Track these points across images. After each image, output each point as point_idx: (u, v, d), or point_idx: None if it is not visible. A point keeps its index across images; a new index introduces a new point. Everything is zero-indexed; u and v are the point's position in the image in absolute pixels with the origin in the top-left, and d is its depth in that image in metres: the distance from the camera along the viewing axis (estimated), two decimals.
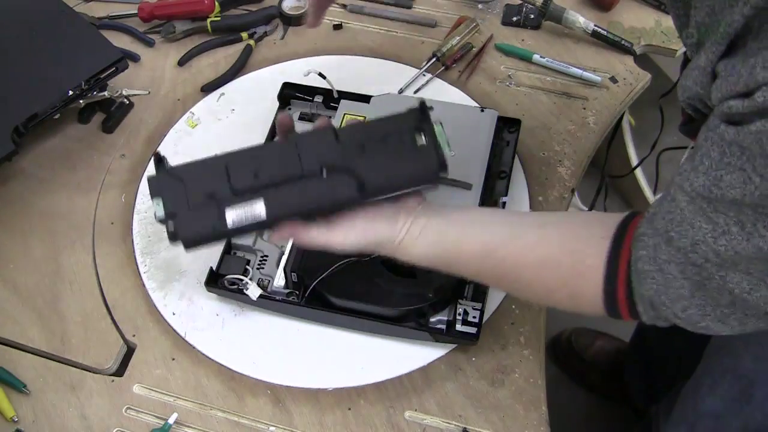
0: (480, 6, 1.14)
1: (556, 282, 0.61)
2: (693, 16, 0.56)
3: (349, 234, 0.65)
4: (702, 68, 0.51)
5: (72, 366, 0.83)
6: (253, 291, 0.82)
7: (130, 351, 0.84)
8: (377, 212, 0.66)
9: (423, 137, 0.65)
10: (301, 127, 0.97)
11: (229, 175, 0.65)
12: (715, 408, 0.90)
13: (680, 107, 0.62)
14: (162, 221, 0.64)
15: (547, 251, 0.61)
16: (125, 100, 1.04)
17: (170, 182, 0.65)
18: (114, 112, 1.03)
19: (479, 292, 0.82)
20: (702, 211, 0.50)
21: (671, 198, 0.53)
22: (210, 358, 0.82)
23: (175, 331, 0.84)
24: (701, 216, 0.50)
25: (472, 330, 0.79)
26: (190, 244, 0.64)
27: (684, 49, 1.09)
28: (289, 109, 1.01)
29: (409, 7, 1.15)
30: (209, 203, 0.64)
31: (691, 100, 0.55)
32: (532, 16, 1.11)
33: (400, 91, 1.03)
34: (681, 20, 0.62)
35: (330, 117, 0.95)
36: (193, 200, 0.64)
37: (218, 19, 1.12)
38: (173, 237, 0.64)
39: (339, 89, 0.97)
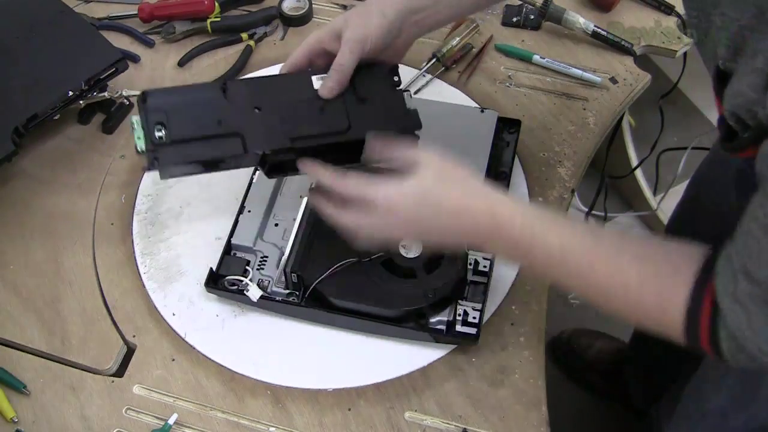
0: None
1: (642, 308, 0.60)
2: (719, 20, 0.55)
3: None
4: (760, 70, 0.49)
5: (72, 366, 0.83)
6: (254, 292, 0.82)
7: (130, 351, 0.84)
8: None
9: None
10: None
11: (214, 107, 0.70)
12: (719, 405, 0.90)
13: (717, 121, 0.61)
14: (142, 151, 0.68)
15: (639, 275, 0.59)
16: (125, 100, 1.04)
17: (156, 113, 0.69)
18: (114, 113, 1.03)
19: (479, 293, 0.82)
20: None
21: (745, 231, 0.52)
22: (210, 359, 0.82)
23: (175, 331, 0.84)
24: None
25: (472, 331, 0.79)
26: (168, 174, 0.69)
27: (685, 49, 1.09)
28: None
29: None
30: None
31: (740, 108, 0.53)
32: (532, 17, 1.11)
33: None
34: (698, 25, 0.62)
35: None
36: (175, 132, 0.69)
37: (218, 19, 1.12)
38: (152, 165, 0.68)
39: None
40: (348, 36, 0.73)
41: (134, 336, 0.84)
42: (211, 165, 0.72)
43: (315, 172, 0.71)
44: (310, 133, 0.73)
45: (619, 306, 0.61)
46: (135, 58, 1.09)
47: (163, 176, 0.70)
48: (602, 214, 1.64)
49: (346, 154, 0.72)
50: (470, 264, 0.83)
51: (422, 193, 0.65)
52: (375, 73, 0.77)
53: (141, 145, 0.69)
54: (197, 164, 0.71)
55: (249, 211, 0.88)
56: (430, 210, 0.65)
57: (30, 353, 0.84)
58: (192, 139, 0.70)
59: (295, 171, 0.74)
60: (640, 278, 0.59)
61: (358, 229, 0.68)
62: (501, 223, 0.63)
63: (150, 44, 1.12)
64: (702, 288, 0.56)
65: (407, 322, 0.80)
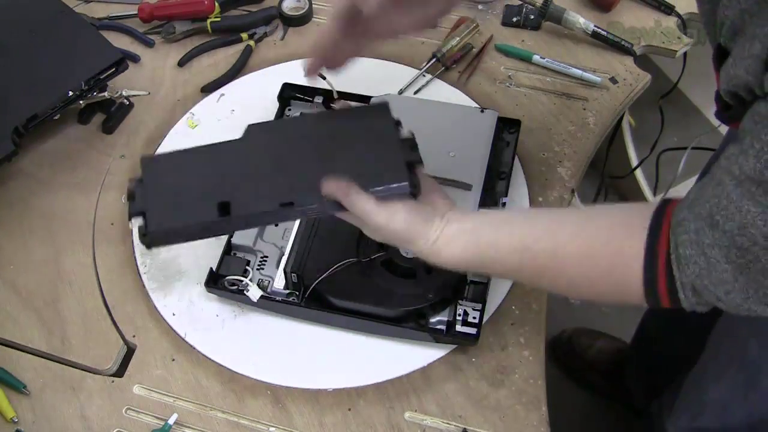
0: (480, 7, 1.14)
1: (598, 273, 0.61)
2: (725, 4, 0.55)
3: (391, 220, 0.66)
4: (756, 56, 0.50)
5: (72, 366, 0.83)
6: (254, 292, 0.82)
7: (130, 351, 0.84)
8: (417, 208, 0.67)
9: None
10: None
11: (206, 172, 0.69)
12: (720, 396, 0.90)
13: (714, 95, 0.61)
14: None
15: (586, 242, 0.61)
16: (125, 100, 1.04)
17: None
18: (114, 113, 1.03)
19: (479, 293, 0.82)
20: (751, 195, 0.50)
21: (716, 182, 0.53)
22: (210, 359, 0.82)
23: (175, 331, 0.84)
24: (749, 199, 0.50)
25: (472, 330, 0.79)
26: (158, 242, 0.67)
27: (685, 49, 1.09)
28: (289, 109, 1.01)
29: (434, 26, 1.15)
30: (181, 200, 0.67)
31: (737, 88, 0.54)
32: (532, 17, 1.11)
33: (400, 92, 1.03)
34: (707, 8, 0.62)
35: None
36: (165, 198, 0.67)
37: (218, 19, 1.12)
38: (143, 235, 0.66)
39: (339, 90, 0.97)
40: None
41: (134, 336, 0.84)
42: (199, 234, 0.69)
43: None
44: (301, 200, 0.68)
45: (571, 275, 0.62)
46: (135, 58, 1.09)
47: (151, 244, 0.68)
48: None
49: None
50: None
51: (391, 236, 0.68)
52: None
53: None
54: (188, 232, 0.68)
55: None
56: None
57: (30, 353, 0.84)
58: (177, 206, 0.68)
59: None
60: (590, 240, 0.61)
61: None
62: (442, 254, 0.67)
63: (150, 44, 1.12)
64: (655, 240, 0.56)
65: (407, 322, 0.80)
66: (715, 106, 0.63)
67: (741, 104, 0.55)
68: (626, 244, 0.58)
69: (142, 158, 0.71)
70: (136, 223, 0.66)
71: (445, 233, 0.67)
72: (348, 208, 0.66)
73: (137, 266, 0.89)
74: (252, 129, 0.72)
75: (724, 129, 1.13)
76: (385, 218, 0.66)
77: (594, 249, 0.61)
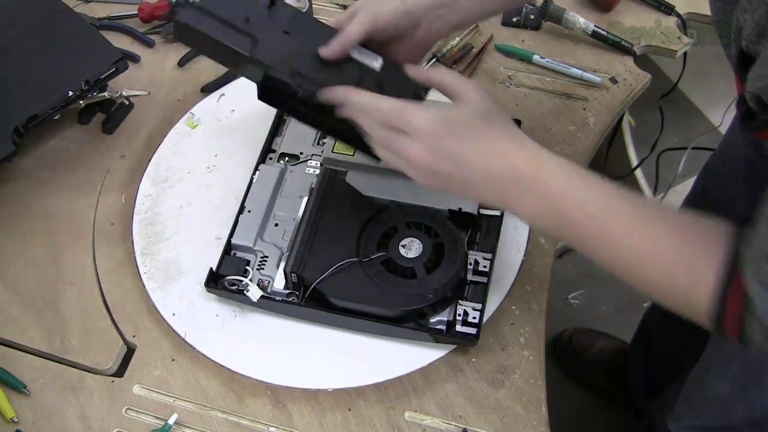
0: None
1: (664, 288, 0.58)
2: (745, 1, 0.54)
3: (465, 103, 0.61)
4: None
5: (72, 366, 0.83)
6: (254, 292, 0.82)
7: (130, 351, 0.84)
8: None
9: None
10: (300, 126, 0.98)
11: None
12: (722, 394, 0.90)
13: (738, 101, 0.59)
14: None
15: (664, 254, 0.57)
16: (125, 100, 1.04)
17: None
18: (114, 113, 1.03)
19: (479, 293, 0.82)
20: None
21: (765, 217, 0.51)
22: (210, 359, 0.82)
23: (175, 331, 0.84)
24: None
25: (472, 331, 0.79)
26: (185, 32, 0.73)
27: (685, 49, 1.10)
28: None
29: None
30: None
31: (763, 90, 0.52)
32: (532, 17, 1.11)
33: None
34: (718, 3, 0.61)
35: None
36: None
37: None
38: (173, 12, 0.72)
39: None
40: (360, 9, 0.73)
41: (134, 336, 0.84)
42: (218, 53, 0.75)
43: (347, 93, 0.67)
44: (314, 78, 0.72)
45: (646, 276, 0.58)
46: (135, 58, 1.09)
47: (175, 35, 0.74)
48: None
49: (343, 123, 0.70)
50: (470, 264, 0.83)
51: (466, 121, 0.60)
52: (404, 80, 0.73)
53: None
54: (207, 43, 0.73)
55: (249, 211, 0.88)
56: (471, 141, 0.60)
57: (30, 353, 0.84)
58: (215, 16, 0.72)
59: (284, 106, 0.77)
60: (674, 252, 0.56)
61: (398, 154, 0.64)
62: (539, 175, 0.59)
63: (150, 44, 1.12)
64: (732, 272, 0.53)
65: (407, 322, 0.80)
66: (737, 113, 0.61)
67: (764, 110, 0.55)
68: (701, 264, 0.55)
69: None
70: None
71: (544, 153, 0.59)
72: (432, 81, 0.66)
73: (137, 266, 0.89)
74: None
75: (724, 129, 1.13)
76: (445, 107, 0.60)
77: (673, 260, 0.57)
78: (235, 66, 0.76)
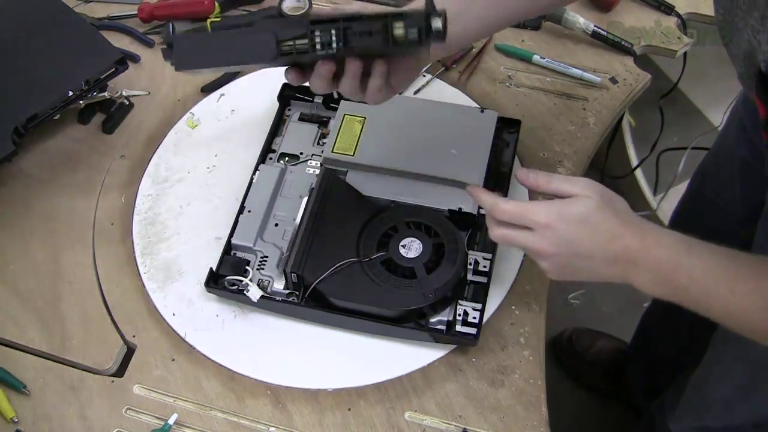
0: None
1: None
2: (757, 23, 0.55)
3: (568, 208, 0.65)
4: None
5: (72, 367, 0.83)
6: (254, 292, 0.82)
7: (130, 352, 0.84)
8: (603, 196, 0.66)
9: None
10: (300, 126, 0.98)
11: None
12: (724, 395, 0.90)
13: (765, 123, 0.60)
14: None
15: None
16: (125, 100, 1.04)
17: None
18: (114, 113, 1.03)
19: (479, 293, 0.82)
20: None
21: None
22: (210, 359, 0.82)
23: (175, 331, 0.84)
24: None
25: (472, 330, 0.79)
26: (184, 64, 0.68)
27: (685, 49, 1.09)
28: (289, 109, 1.01)
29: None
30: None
31: None
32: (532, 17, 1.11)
33: (400, 92, 1.03)
34: (724, 25, 0.62)
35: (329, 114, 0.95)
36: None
37: (218, 19, 1.12)
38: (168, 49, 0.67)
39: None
40: None
41: (134, 336, 0.84)
42: (229, 52, 0.70)
43: (478, 195, 0.72)
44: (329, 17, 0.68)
45: (760, 327, 0.62)
46: (135, 58, 1.09)
47: (178, 66, 0.68)
48: None
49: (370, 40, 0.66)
50: (470, 264, 0.83)
51: (584, 215, 0.65)
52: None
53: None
54: (215, 52, 0.69)
55: (249, 211, 0.88)
56: (588, 232, 0.65)
57: (30, 353, 0.84)
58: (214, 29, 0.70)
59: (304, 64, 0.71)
60: None
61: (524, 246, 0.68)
62: (648, 245, 0.64)
63: (150, 44, 1.12)
64: None
65: (407, 322, 0.80)
66: (765, 136, 0.62)
67: None
68: None
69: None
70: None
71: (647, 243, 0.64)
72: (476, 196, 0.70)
73: (137, 266, 0.89)
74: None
75: None
76: (559, 209, 0.65)
77: None
78: (253, 55, 0.71)
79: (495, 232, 0.70)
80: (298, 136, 0.97)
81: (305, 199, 0.88)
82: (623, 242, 0.64)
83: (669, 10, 1.12)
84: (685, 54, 1.12)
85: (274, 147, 0.96)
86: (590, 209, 0.65)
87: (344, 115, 0.93)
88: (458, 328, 0.79)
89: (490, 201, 0.70)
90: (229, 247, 0.86)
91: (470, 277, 0.83)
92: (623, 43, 1.07)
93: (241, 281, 0.83)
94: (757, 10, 0.55)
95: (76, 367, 0.83)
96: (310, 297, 0.81)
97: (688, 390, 0.99)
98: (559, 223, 0.65)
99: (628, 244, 0.64)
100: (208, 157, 0.98)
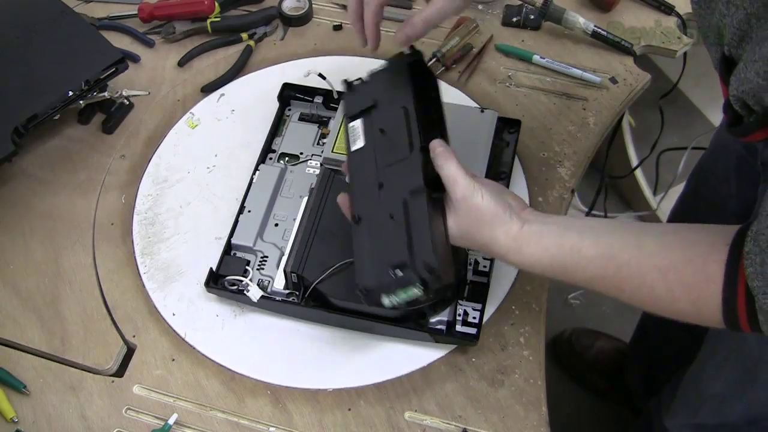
0: (480, 7, 1.14)
1: (679, 288, 0.59)
2: (724, 7, 0.55)
3: (476, 193, 0.67)
4: (766, 58, 0.50)
5: (72, 366, 0.83)
6: (255, 292, 0.82)
7: (130, 352, 0.84)
8: (499, 195, 0.68)
9: None
10: (300, 126, 0.98)
11: None
12: (719, 391, 0.90)
13: (722, 105, 0.60)
14: None
15: (669, 256, 0.60)
16: (125, 100, 1.04)
17: None
18: (114, 113, 1.03)
19: (479, 293, 0.82)
20: None
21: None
22: (210, 359, 0.82)
23: (175, 331, 0.84)
24: None
25: (472, 331, 0.79)
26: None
27: (685, 49, 1.10)
28: (289, 109, 1.01)
29: (409, 8, 1.15)
30: None
31: (746, 94, 0.53)
32: (532, 17, 1.11)
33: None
34: (700, 11, 0.62)
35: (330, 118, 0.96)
36: None
37: (218, 19, 1.12)
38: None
39: (339, 90, 0.97)
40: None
41: (134, 336, 0.84)
42: None
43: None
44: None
45: (656, 293, 0.61)
46: (135, 58, 1.09)
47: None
48: (602, 214, 1.64)
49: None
50: (470, 264, 0.83)
51: (458, 233, 0.69)
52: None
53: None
54: None
55: (249, 211, 0.88)
56: (467, 241, 0.70)
57: (30, 353, 0.84)
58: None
59: None
60: (682, 246, 0.59)
61: None
62: (523, 251, 0.67)
63: (150, 44, 1.12)
64: (735, 271, 0.55)
65: (407, 322, 0.80)
66: (725, 118, 0.62)
67: (749, 114, 0.55)
68: (709, 261, 0.57)
69: None
70: None
71: (525, 230, 0.66)
72: (440, 168, 0.69)
73: (137, 266, 0.89)
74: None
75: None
76: (471, 190, 0.67)
77: (678, 264, 0.59)
78: None
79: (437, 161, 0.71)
80: (298, 136, 0.97)
81: (305, 199, 0.88)
82: (497, 249, 0.68)
83: (669, 10, 1.12)
84: (685, 54, 1.12)
85: (274, 147, 0.96)
86: (457, 230, 0.69)
87: (344, 115, 0.93)
88: (458, 328, 0.79)
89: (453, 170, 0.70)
90: (229, 247, 0.86)
91: (470, 277, 0.83)
92: (623, 43, 1.07)
93: (241, 281, 0.83)
94: None
95: (76, 367, 0.83)
96: (310, 297, 0.81)
97: (682, 387, 1.00)
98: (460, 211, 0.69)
99: (504, 253, 0.68)
100: (208, 157, 0.98)
